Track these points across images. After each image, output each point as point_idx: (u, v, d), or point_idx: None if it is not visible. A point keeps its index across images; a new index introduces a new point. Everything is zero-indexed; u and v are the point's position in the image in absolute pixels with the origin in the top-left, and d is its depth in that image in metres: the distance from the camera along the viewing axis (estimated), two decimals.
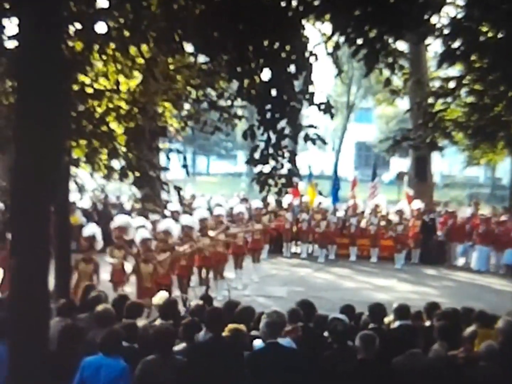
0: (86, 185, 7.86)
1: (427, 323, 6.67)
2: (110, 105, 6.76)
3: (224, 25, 5.08)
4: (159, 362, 5.19)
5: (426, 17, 5.24)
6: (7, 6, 5.22)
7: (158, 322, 6.46)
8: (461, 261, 17.10)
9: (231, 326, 5.88)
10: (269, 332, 5.40)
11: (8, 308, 5.31)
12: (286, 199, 17.06)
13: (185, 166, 7.27)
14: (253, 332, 6.05)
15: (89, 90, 6.57)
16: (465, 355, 5.54)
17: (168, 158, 7.69)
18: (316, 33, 6.10)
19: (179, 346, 5.65)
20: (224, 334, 5.86)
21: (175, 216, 13.49)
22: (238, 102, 7.68)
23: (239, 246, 13.47)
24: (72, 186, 7.57)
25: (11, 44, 5.43)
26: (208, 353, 5.36)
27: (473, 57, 7.27)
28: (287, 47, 5.30)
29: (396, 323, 6.43)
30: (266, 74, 5.60)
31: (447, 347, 5.66)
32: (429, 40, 7.49)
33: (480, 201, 19.64)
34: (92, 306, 6.51)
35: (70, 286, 7.72)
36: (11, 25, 5.32)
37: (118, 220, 11.39)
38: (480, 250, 16.38)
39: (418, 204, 17.65)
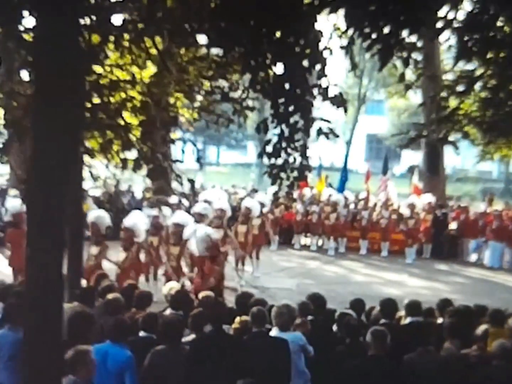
0: (100, 174, 7.91)
1: (440, 320, 6.60)
2: (125, 96, 6.80)
3: (239, 18, 5.08)
4: (168, 352, 5.24)
5: (442, 13, 5.20)
6: None
7: (168, 312, 6.51)
8: (473, 257, 16.97)
9: (240, 318, 5.94)
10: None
11: (24, 296, 5.37)
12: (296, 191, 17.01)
13: (199, 158, 7.30)
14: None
15: (105, 81, 6.61)
16: (478, 353, 5.50)
17: (183, 151, 7.74)
18: (330, 25, 6.08)
19: (189, 337, 5.71)
20: (234, 326, 5.93)
21: (174, 208, 13.32)
22: (250, 93, 7.70)
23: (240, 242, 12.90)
24: (85, 174, 7.63)
25: (29, 36, 5.48)
26: (209, 344, 5.45)
27: (488, 52, 7.21)
28: (301, 41, 5.29)
29: (408, 319, 6.41)
30: (279, 68, 5.60)
31: (459, 345, 5.63)
32: (445, 35, 7.44)
33: (493, 196, 19.47)
34: (103, 295, 6.59)
35: (82, 273, 7.78)
36: (29, 17, 5.36)
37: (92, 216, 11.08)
38: (493, 246, 16.25)
39: (429, 198, 17.56)
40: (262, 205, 15.17)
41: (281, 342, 5.49)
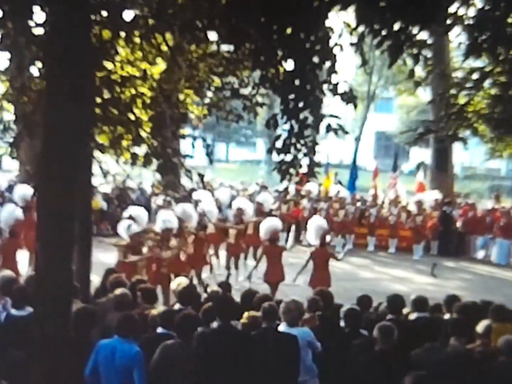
0: (110, 170, 7.94)
1: (446, 316, 6.58)
2: (136, 92, 6.83)
3: (249, 14, 5.10)
4: (178, 347, 5.25)
5: (452, 9, 5.20)
6: None
7: (176, 307, 6.53)
8: (481, 254, 16.97)
9: (248, 313, 5.95)
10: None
11: (34, 290, 5.42)
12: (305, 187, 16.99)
13: (209, 154, 7.32)
14: None
15: (116, 77, 6.64)
16: (482, 349, 5.49)
17: (193, 146, 7.78)
18: (340, 22, 6.08)
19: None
20: (242, 321, 5.95)
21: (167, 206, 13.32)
22: (260, 90, 7.71)
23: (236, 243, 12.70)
24: (96, 170, 7.66)
25: (39, 31, 5.52)
26: (216, 339, 5.48)
27: (498, 49, 7.18)
28: (312, 38, 5.31)
29: (414, 315, 6.42)
30: (289, 64, 5.61)
31: (465, 341, 5.63)
32: (455, 31, 7.42)
33: (501, 194, 19.42)
34: (111, 290, 6.61)
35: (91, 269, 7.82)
36: (40, 12, 5.40)
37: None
38: (500, 243, 16.25)
39: (435, 195, 17.56)
40: (260, 204, 14.89)
41: (291, 337, 5.50)
